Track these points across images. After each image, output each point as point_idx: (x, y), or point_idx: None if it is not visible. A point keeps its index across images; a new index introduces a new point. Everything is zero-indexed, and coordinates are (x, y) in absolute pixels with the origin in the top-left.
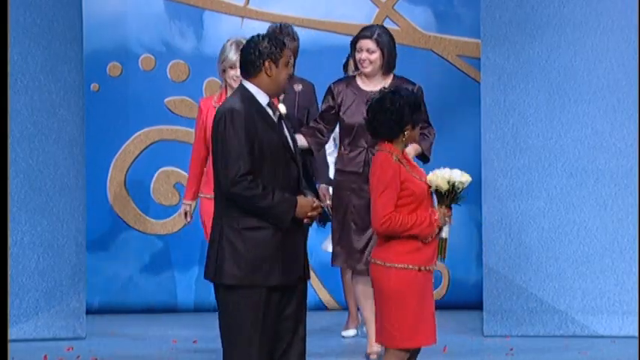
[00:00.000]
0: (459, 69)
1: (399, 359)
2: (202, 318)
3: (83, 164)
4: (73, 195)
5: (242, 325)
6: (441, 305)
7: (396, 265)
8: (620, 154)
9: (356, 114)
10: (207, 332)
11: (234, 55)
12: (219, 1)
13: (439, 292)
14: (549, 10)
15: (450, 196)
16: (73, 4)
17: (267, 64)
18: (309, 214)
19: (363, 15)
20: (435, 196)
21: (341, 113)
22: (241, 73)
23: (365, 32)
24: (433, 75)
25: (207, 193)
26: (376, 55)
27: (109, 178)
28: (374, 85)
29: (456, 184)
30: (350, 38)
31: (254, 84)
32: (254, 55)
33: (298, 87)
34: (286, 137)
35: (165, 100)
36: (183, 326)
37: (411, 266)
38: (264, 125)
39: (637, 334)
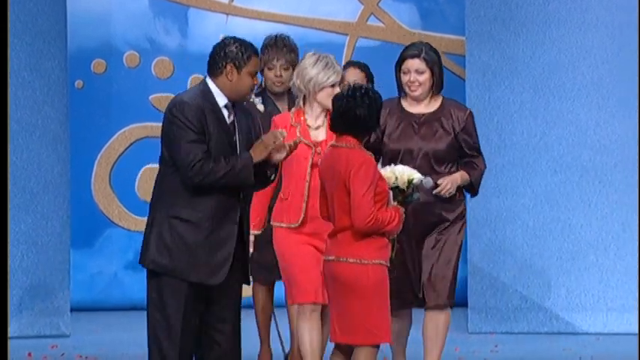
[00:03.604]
0: (443, 66)
1: (373, 355)
2: None
3: (67, 161)
4: (57, 192)
5: (164, 312)
6: None
7: (373, 262)
8: (605, 150)
9: (401, 138)
10: None
11: (333, 74)
12: None
13: None
14: (533, 7)
15: (406, 193)
16: (56, 0)
17: (229, 67)
18: (272, 144)
19: (348, 12)
20: (390, 193)
21: (385, 138)
22: (207, 70)
23: (412, 51)
24: None
25: (282, 221)
26: (426, 76)
27: (93, 175)
28: (422, 107)
29: (414, 180)
30: (335, 35)
31: (215, 83)
32: (219, 56)
33: None
34: (236, 141)
35: (150, 97)
36: None
37: (383, 262)
38: (216, 124)
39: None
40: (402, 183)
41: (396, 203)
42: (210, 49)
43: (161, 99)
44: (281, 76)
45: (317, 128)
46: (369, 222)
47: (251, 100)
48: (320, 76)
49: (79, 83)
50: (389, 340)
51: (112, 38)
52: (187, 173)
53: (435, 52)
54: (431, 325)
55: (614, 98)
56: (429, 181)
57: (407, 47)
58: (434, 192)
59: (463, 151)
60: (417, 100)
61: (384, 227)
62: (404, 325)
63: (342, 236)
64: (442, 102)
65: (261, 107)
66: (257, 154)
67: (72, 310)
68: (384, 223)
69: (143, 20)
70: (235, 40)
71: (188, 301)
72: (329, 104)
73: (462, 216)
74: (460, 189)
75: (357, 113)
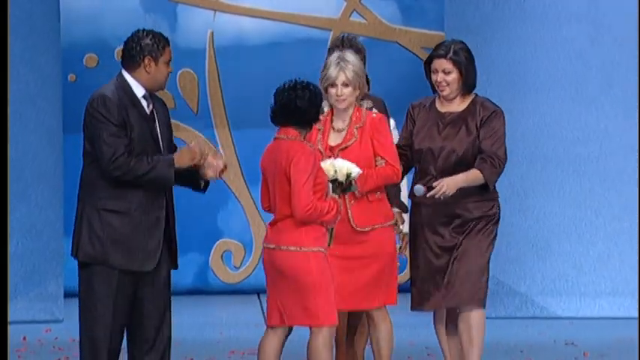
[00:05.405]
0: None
1: (330, 334)
2: (177, 300)
3: (61, 152)
4: (51, 182)
5: (95, 301)
6: (405, 289)
7: (313, 249)
8: (579, 141)
9: (426, 138)
10: (182, 314)
11: (335, 71)
12: None
13: (404, 277)
14: (511, 3)
15: (342, 185)
16: None
17: (146, 60)
18: (194, 160)
19: (332, 8)
20: (330, 185)
21: (413, 137)
22: (122, 64)
23: (439, 51)
24: (399, 66)
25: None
26: (453, 76)
27: None
28: (452, 107)
29: (352, 174)
30: (318, 31)
31: (132, 77)
32: (135, 50)
33: (368, 104)
34: (157, 131)
35: None
36: None
37: (322, 249)
38: (137, 116)
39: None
40: (341, 176)
41: (335, 195)
42: (198, 45)
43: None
44: None
45: (340, 130)
46: (308, 210)
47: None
48: (322, 75)
49: (71, 77)
50: (333, 322)
51: (103, 34)
52: (108, 166)
53: (466, 51)
54: (462, 329)
55: (587, 91)
56: (419, 189)
57: (436, 46)
58: (427, 195)
59: (480, 147)
60: (447, 99)
61: (323, 217)
62: (449, 325)
63: (282, 225)
64: (472, 101)
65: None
66: (181, 160)
67: (65, 295)
68: (322, 212)
69: (133, 16)
70: (147, 32)
71: (119, 289)
72: (334, 104)
73: (490, 215)
74: (486, 187)
75: (298, 104)
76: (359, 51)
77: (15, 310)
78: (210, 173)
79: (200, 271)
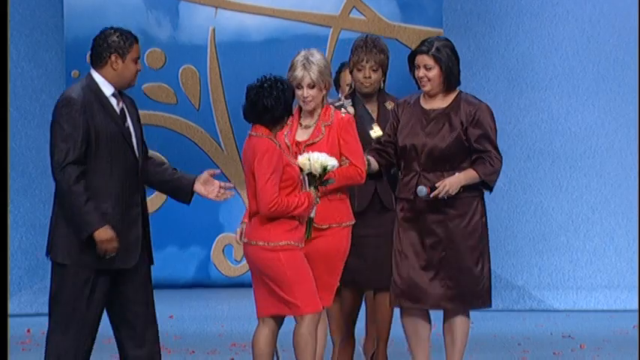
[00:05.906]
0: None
1: (314, 322)
2: (179, 294)
3: None
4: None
5: (66, 301)
6: None
7: (280, 244)
8: (575, 137)
9: (410, 135)
10: (183, 307)
11: (300, 72)
12: None
13: None
14: (507, 1)
15: (321, 178)
16: None
17: (113, 57)
18: (103, 245)
19: (332, 5)
20: (306, 179)
21: (397, 134)
22: (90, 62)
23: (422, 47)
24: (398, 63)
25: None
26: (435, 72)
27: None
28: (436, 103)
29: (328, 167)
30: (319, 28)
31: (100, 74)
32: (101, 47)
33: (390, 105)
34: (128, 128)
35: (143, 86)
36: (159, 302)
37: (292, 242)
38: (104, 115)
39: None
40: (315, 169)
41: (312, 188)
42: (200, 41)
43: (153, 88)
44: (370, 77)
45: (308, 127)
46: (271, 207)
47: (341, 102)
48: (288, 75)
49: (75, 73)
50: (316, 310)
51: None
52: (55, 170)
53: (449, 48)
54: (446, 330)
55: (583, 88)
56: (422, 190)
57: (421, 42)
58: (431, 196)
59: (473, 146)
60: (429, 95)
61: (291, 211)
62: (419, 326)
63: (254, 220)
64: (456, 97)
65: (351, 110)
66: (100, 235)
67: None
68: (289, 207)
69: (136, 13)
70: (115, 29)
71: (94, 289)
72: (301, 105)
73: (473, 212)
74: (487, 185)
75: (265, 103)
76: (382, 51)
77: (19, 303)
78: (210, 195)
79: (201, 265)
